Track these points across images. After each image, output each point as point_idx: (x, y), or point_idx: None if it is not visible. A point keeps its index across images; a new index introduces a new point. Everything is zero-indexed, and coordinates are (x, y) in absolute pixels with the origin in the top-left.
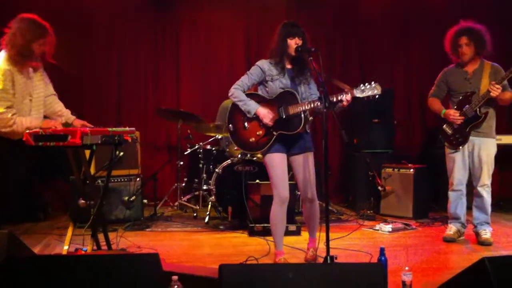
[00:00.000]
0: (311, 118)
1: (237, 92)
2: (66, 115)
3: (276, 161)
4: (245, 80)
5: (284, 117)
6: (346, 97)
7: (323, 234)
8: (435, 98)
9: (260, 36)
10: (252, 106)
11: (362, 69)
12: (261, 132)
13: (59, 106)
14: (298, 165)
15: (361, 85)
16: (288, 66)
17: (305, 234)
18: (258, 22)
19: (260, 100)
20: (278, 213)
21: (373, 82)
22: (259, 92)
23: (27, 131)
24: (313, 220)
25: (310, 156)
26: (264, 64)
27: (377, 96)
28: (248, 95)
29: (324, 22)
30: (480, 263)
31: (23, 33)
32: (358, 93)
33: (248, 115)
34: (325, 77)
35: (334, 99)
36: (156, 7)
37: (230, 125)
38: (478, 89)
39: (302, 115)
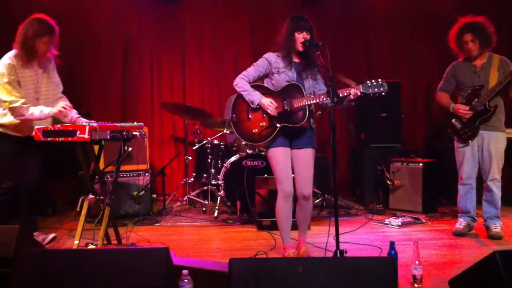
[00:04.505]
0: (319, 113)
1: (242, 82)
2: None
3: (280, 156)
4: (251, 71)
5: (288, 109)
6: (353, 92)
7: (333, 228)
8: (444, 92)
9: (265, 30)
10: (256, 97)
11: (367, 63)
12: (264, 123)
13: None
14: (297, 160)
15: (368, 81)
16: (296, 60)
17: (313, 228)
18: (263, 16)
19: (265, 92)
20: (283, 208)
21: (379, 79)
22: (265, 85)
23: (36, 127)
24: (305, 219)
25: (312, 153)
26: (271, 56)
27: (383, 93)
28: (253, 87)
29: (328, 16)
30: (491, 257)
31: (27, 30)
32: (364, 89)
33: (252, 106)
34: (332, 73)
35: (343, 94)
36: (162, 1)
37: (234, 115)
38: (486, 83)
39: (307, 109)
